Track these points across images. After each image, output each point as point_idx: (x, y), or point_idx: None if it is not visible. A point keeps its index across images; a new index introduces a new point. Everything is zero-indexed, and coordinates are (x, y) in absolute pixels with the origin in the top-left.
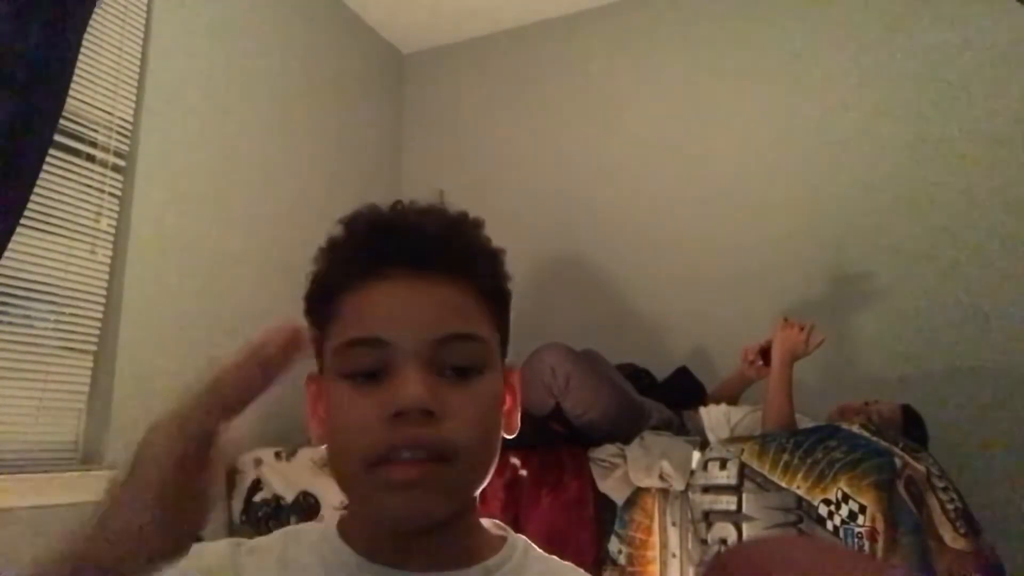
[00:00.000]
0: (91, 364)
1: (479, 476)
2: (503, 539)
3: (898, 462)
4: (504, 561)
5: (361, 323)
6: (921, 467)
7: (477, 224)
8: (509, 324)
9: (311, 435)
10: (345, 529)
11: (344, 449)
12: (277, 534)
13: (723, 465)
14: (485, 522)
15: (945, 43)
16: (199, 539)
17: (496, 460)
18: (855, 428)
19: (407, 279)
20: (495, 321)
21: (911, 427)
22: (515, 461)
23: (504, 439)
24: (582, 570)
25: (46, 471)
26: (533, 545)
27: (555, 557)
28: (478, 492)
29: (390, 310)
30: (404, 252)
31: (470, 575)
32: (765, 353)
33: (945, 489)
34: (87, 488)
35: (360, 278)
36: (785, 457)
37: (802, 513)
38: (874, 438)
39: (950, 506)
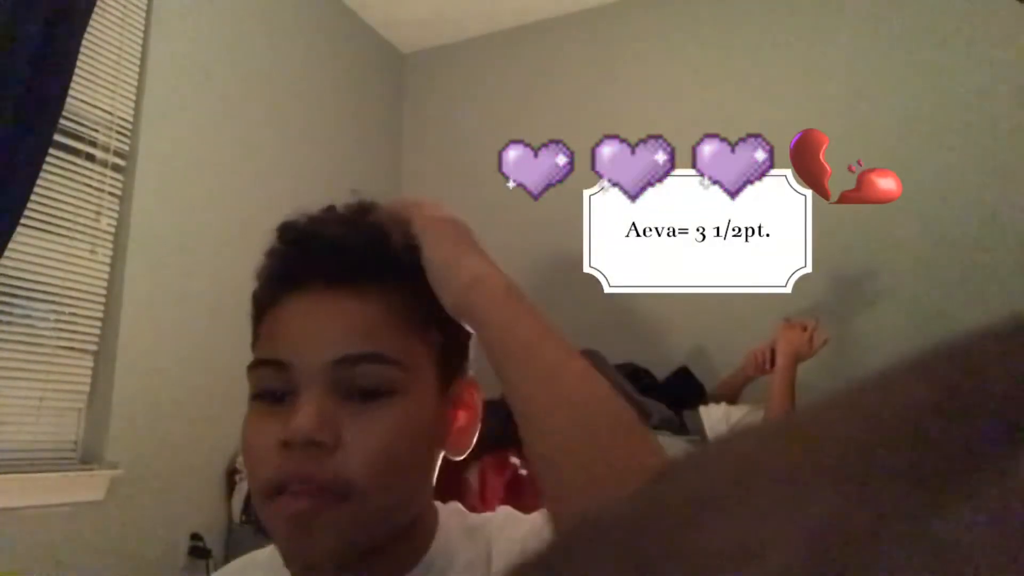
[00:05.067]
0: (91, 364)
1: (387, 512)
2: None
3: None
4: (434, 557)
5: (267, 343)
6: None
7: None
8: (459, 339)
9: None
10: None
11: (248, 475)
12: (234, 565)
13: None
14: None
15: (942, 30)
16: (201, 537)
17: (424, 488)
18: None
19: (317, 295)
20: (429, 336)
21: None
22: (515, 460)
23: (511, 442)
24: (508, 508)
25: (46, 471)
26: (463, 509)
27: (486, 514)
28: (407, 517)
29: (294, 330)
30: (316, 266)
31: None
32: (775, 356)
33: None
34: (86, 488)
35: (277, 294)
36: None
37: None
38: None
39: None
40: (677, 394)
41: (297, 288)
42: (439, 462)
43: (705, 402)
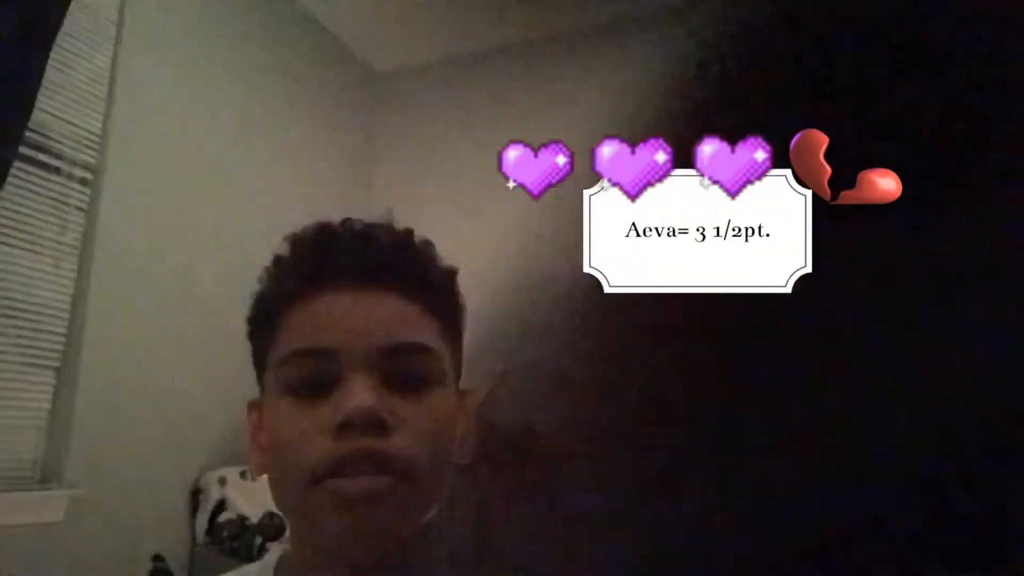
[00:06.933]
0: (53, 381)
1: (434, 497)
2: None
3: None
4: None
5: (304, 333)
6: None
7: (427, 242)
8: (462, 345)
9: (252, 465)
10: (282, 569)
11: (287, 467)
12: None
13: None
14: None
15: None
16: (163, 558)
17: (449, 485)
18: None
19: (354, 290)
20: (447, 338)
21: None
22: None
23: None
24: None
25: (3, 490)
26: None
27: None
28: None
29: (336, 319)
30: (352, 263)
31: None
32: None
33: None
34: (45, 508)
35: (305, 290)
36: None
37: None
38: None
39: None
40: None
41: (327, 284)
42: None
43: None
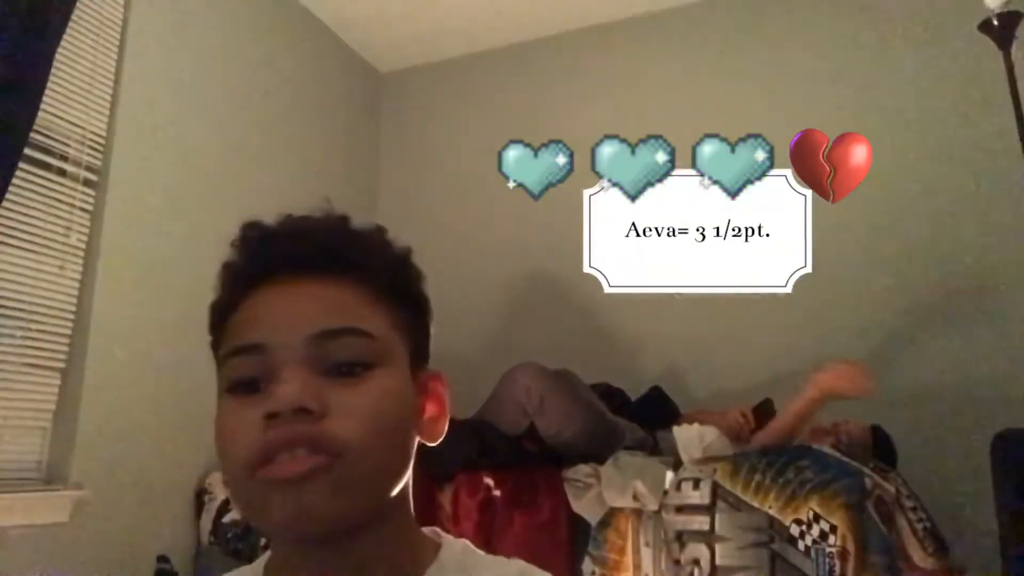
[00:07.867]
0: (58, 382)
1: (378, 475)
2: (438, 547)
3: (867, 482)
4: (441, 571)
5: (238, 333)
6: (890, 487)
7: (377, 227)
8: (425, 326)
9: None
10: (270, 568)
11: (227, 463)
12: None
13: (696, 485)
14: (425, 530)
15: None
16: (168, 559)
17: (407, 464)
18: (826, 449)
19: (287, 283)
20: (397, 321)
21: (880, 447)
22: (488, 482)
23: (485, 463)
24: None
25: (7, 491)
26: (473, 548)
27: (498, 556)
28: (392, 496)
29: (264, 315)
30: (283, 257)
31: None
32: (755, 413)
33: (914, 509)
34: (50, 509)
35: (244, 291)
36: (757, 477)
37: (774, 533)
38: (844, 459)
39: (919, 525)
40: (650, 414)
41: (264, 280)
42: (415, 446)
43: (678, 422)
